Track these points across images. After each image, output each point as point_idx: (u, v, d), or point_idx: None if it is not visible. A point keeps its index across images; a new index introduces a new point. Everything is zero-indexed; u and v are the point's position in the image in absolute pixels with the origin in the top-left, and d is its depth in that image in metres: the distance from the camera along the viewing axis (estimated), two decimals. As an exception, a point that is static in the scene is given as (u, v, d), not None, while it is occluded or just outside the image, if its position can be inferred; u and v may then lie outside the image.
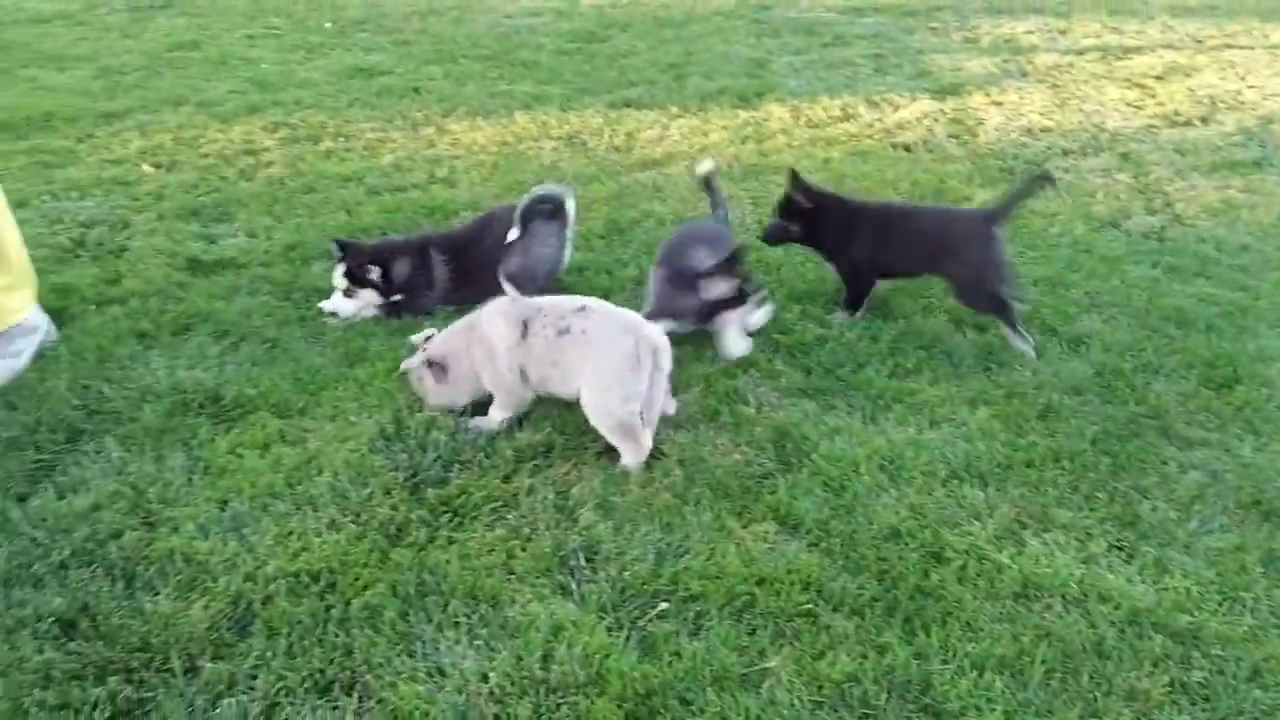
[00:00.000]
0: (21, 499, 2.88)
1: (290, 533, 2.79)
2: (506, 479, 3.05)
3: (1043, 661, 2.43)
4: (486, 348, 3.22)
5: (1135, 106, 6.65)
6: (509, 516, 2.89)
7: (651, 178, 5.29)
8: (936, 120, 6.32)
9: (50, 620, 2.47)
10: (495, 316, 3.25)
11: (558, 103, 6.39)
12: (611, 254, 4.46)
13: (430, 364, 3.27)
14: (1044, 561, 2.75)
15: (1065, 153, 5.87)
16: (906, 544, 2.83)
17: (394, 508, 2.89)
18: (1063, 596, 2.64)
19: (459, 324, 3.36)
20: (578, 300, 3.26)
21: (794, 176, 4.06)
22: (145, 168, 5.08)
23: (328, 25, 7.80)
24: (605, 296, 4.04)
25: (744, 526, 2.90)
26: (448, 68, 7.01)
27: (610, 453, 3.19)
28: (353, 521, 2.83)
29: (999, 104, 6.65)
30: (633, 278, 4.24)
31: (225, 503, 2.89)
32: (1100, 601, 2.61)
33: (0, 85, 6.28)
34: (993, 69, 7.37)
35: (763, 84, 6.90)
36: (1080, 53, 7.87)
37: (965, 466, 3.17)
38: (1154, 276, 4.40)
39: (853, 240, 3.99)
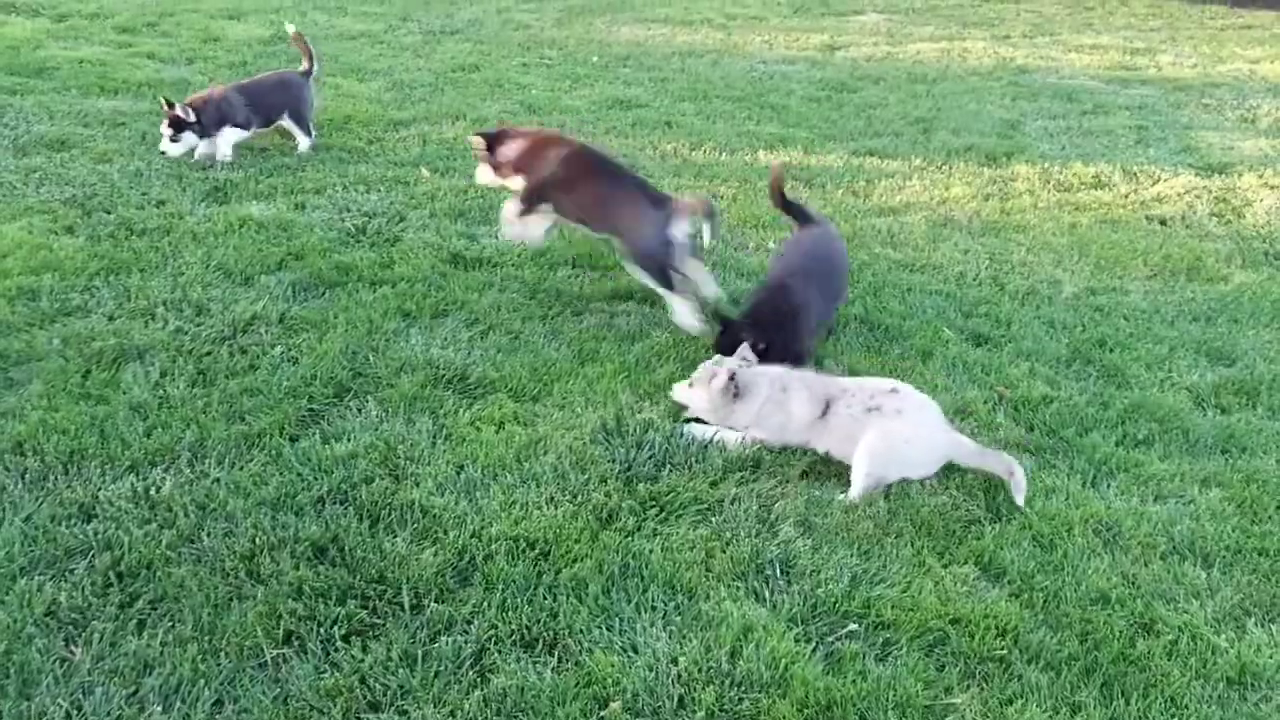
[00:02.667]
0: (293, 439, 3.27)
1: (514, 502, 3.03)
2: (713, 484, 3.19)
3: (1254, 751, 2.30)
4: (784, 415, 3.37)
5: None
6: (712, 519, 3.02)
7: (887, 224, 5.33)
8: (1199, 197, 6.00)
9: (306, 544, 2.80)
10: (801, 390, 3.39)
11: (801, 145, 6.54)
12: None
13: (732, 378, 3.41)
14: (1266, 651, 2.59)
15: (1346, 245, 5.43)
16: (1115, 610, 2.74)
17: (607, 495, 3.09)
18: (1285, 690, 2.48)
19: (771, 370, 3.49)
20: (887, 382, 3.41)
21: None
22: (423, 171, 5.62)
23: (594, 59, 8.33)
24: (828, 333, 4.15)
25: (944, 566, 2.90)
26: (700, 105, 7.32)
27: (814, 475, 3.27)
28: (570, 500, 3.05)
29: (1273, 188, 6.22)
30: (857, 316, 4.30)
31: (461, 468, 3.17)
32: (1329, 703, 2.44)
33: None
34: (1269, 151, 6.90)
35: (1012, 145, 6.79)
36: (1377, 140, 7.23)
37: (1189, 544, 3.03)
38: None
39: None
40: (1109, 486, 3.29)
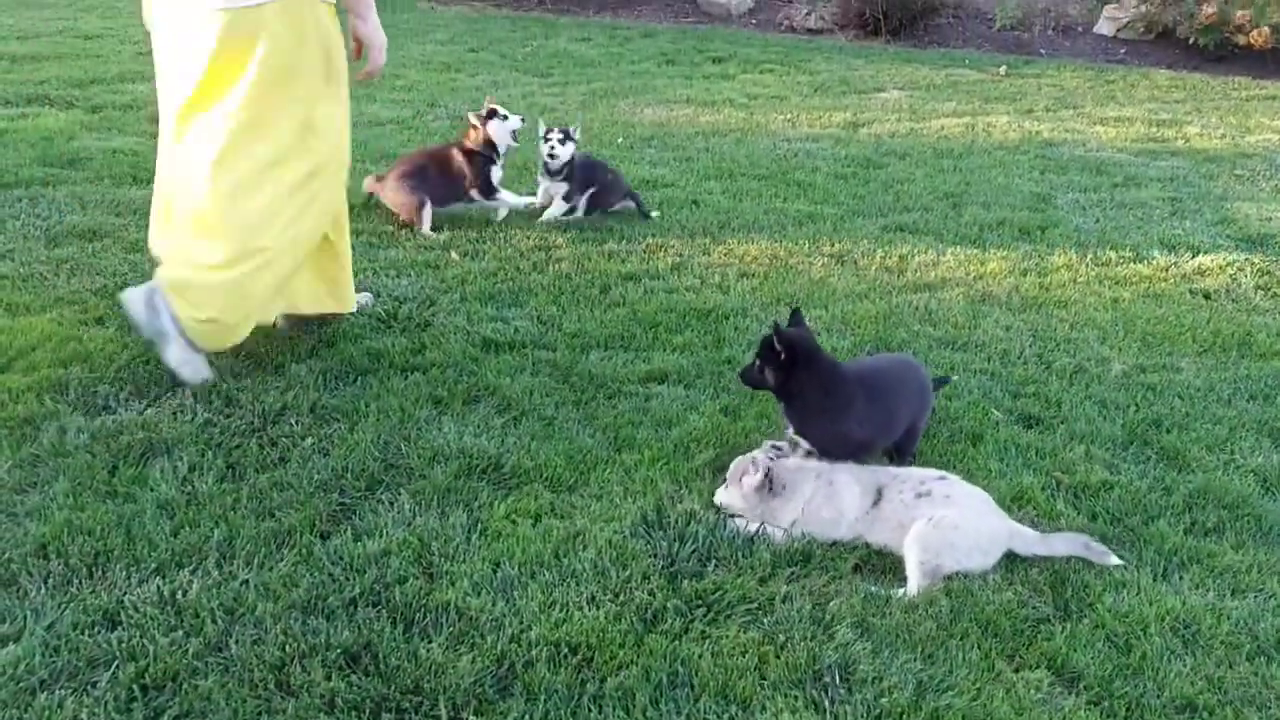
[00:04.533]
0: (324, 536, 3.15)
1: (554, 602, 2.89)
2: (762, 581, 3.03)
3: None
4: (834, 511, 3.24)
5: None
6: (764, 620, 2.86)
7: (924, 300, 5.22)
8: (1241, 270, 5.87)
9: (338, 651, 2.66)
10: (850, 483, 3.27)
11: (830, 222, 6.48)
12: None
13: (770, 474, 3.27)
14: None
15: (1399, 316, 5.27)
16: (1203, 719, 2.55)
17: (651, 593, 2.94)
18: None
19: (810, 465, 3.37)
20: (935, 471, 3.31)
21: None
22: (452, 255, 5.58)
23: (619, 140, 8.36)
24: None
25: (1015, 671, 2.72)
26: (726, 184, 7.30)
27: (869, 569, 3.11)
28: (612, 600, 2.90)
29: (1320, 260, 6.09)
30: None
31: (498, 564, 3.04)
32: None
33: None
34: (1311, 220, 6.79)
35: (1045, 218, 6.70)
36: None
37: (1276, 643, 2.84)
38: None
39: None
40: (1182, 579, 3.11)
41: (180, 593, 2.83)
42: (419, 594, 2.90)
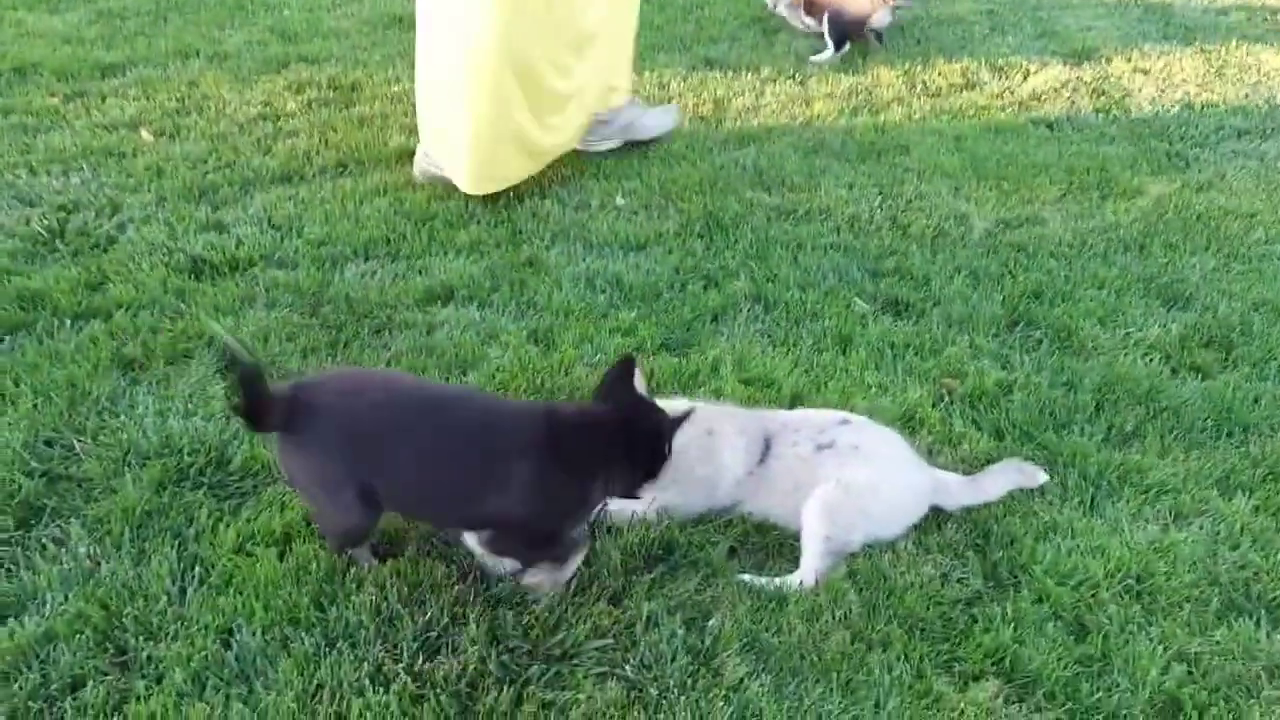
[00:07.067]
0: (-58, 624, 2.05)
1: (319, 688, 1.96)
2: (615, 600, 2.21)
3: None
4: (712, 468, 2.41)
5: (1304, 77, 5.65)
6: (625, 666, 2.05)
7: (751, 157, 4.38)
8: (1076, 90, 5.35)
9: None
10: (733, 433, 2.44)
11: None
12: (716, 260, 3.57)
13: None
14: None
15: (1240, 133, 4.90)
16: (1195, 723, 1.99)
17: (462, 649, 2.05)
18: None
19: (676, 406, 2.42)
20: (834, 414, 2.54)
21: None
22: (144, 134, 4.21)
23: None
24: (714, 319, 3.20)
25: (960, 689, 2.05)
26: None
27: (746, 552, 2.36)
28: (406, 670, 2.00)
29: (1145, 71, 5.65)
30: (747, 293, 3.36)
31: (230, 634, 2.06)
32: None
33: (-14, 29, 5.42)
34: (1128, 29, 6.35)
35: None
36: (1224, 11, 6.83)
37: (1243, 590, 2.31)
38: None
39: None
40: (1117, 508, 2.52)
41: None
42: (104, 706, 1.90)
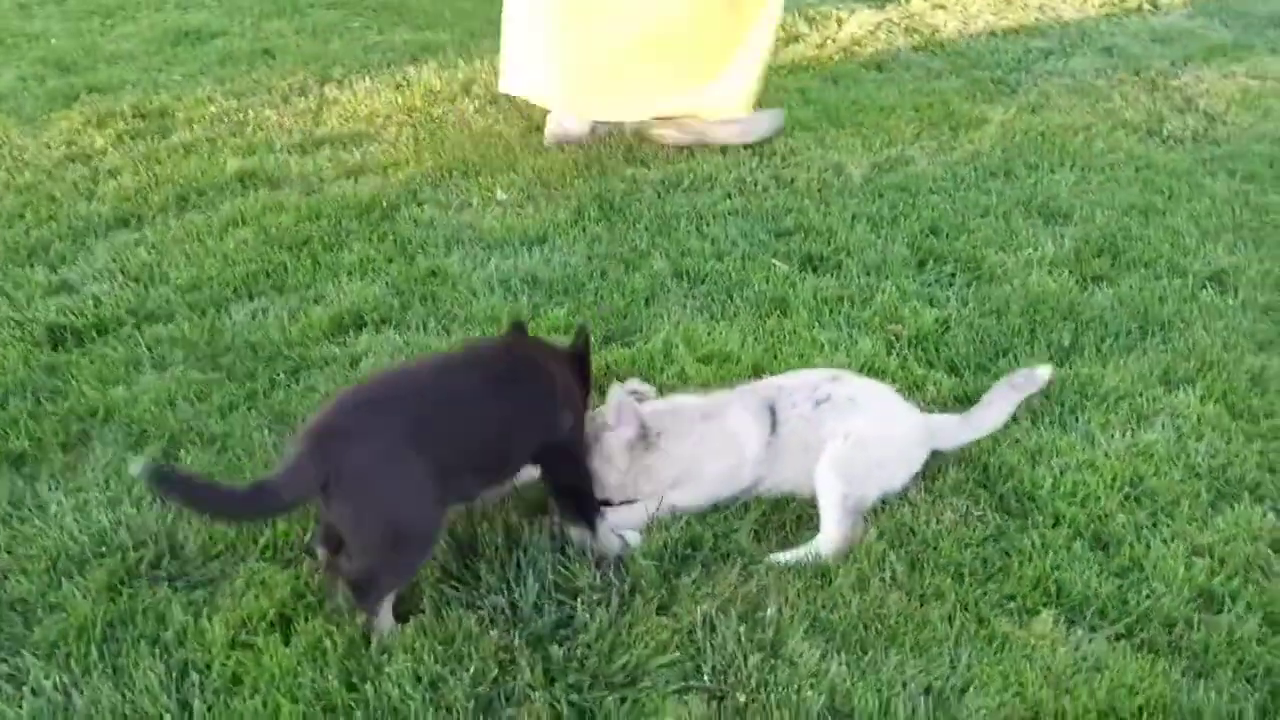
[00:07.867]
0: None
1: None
2: (663, 610, 2.09)
3: None
4: (734, 453, 2.32)
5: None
6: (703, 676, 1.94)
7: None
8: (891, 31, 5.56)
9: None
10: (742, 413, 2.37)
11: (454, 49, 5.21)
12: (624, 242, 3.46)
13: (644, 427, 2.29)
14: None
15: (1047, 54, 5.25)
16: (1232, 610, 2.10)
17: (521, 695, 1.88)
18: None
19: (688, 403, 2.42)
20: (823, 371, 2.52)
21: None
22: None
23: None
24: (646, 301, 3.11)
25: (1022, 625, 2.07)
26: (295, 21, 5.63)
27: (769, 530, 2.30)
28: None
29: (943, 7, 5.96)
30: (674, 272, 3.27)
31: (256, 747, 1.79)
32: None
33: None
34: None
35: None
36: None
37: (1224, 478, 2.46)
38: (1241, 190, 3.84)
39: None
40: (1086, 423, 2.63)
41: None
42: None
